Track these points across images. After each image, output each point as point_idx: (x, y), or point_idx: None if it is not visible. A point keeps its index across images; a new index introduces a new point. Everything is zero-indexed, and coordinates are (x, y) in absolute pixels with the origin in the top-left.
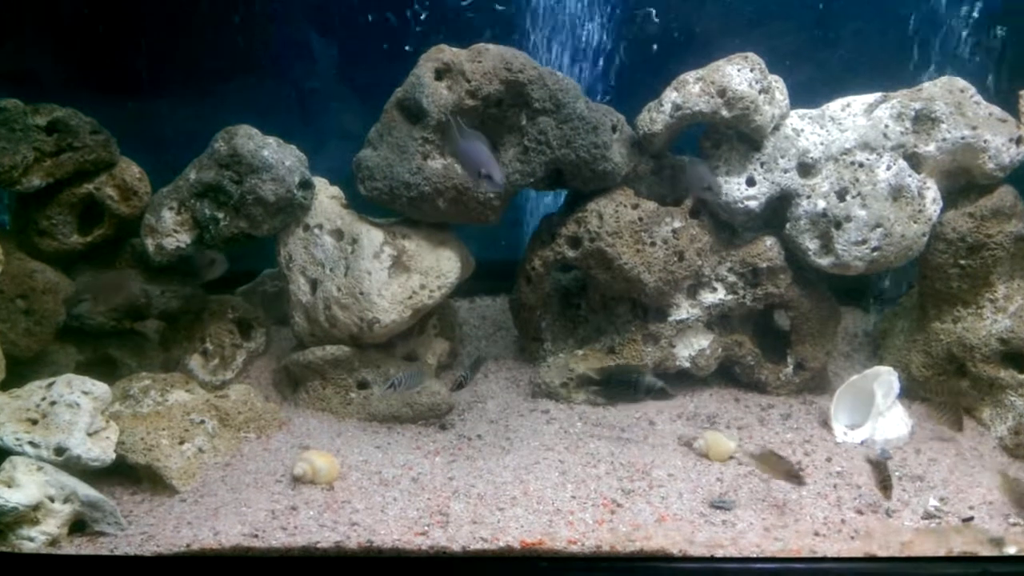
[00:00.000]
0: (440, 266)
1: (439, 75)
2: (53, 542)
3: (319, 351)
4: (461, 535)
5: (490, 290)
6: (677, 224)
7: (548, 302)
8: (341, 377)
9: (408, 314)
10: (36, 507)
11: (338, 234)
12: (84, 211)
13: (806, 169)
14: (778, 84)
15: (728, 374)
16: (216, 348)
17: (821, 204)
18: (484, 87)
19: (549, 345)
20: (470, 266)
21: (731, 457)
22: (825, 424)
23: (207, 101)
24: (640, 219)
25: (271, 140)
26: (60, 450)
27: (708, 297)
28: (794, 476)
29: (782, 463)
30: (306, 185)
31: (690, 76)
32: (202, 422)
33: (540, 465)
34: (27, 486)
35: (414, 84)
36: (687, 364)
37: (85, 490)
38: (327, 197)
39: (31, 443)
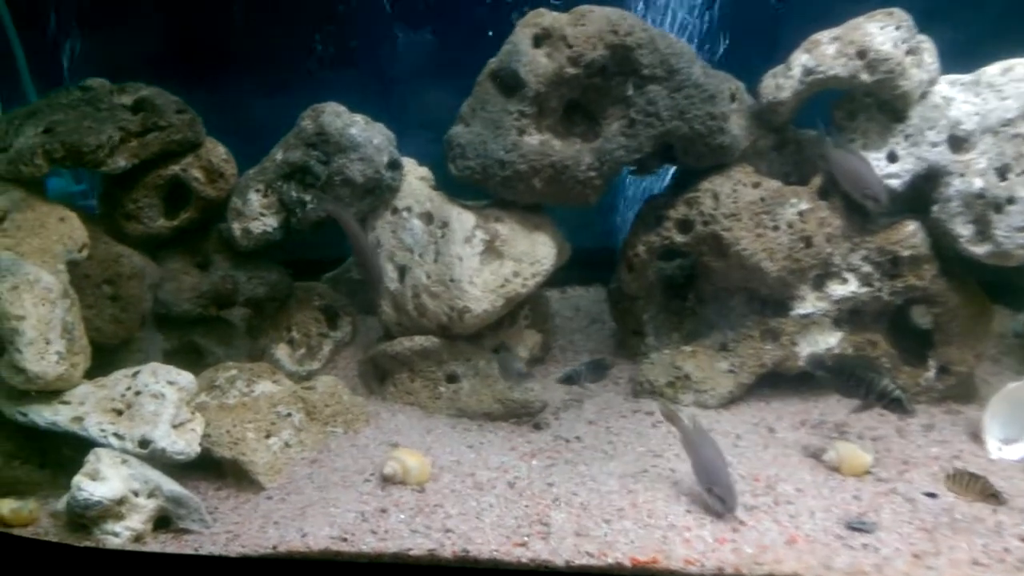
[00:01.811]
0: (535, 252)
1: (537, 41)
2: (138, 538)
3: (407, 342)
4: (564, 548)
5: (582, 280)
6: (804, 206)
7: (651, 292)
8: (430, 370)
9: (500, 303)
10: (120, 501)
11: (427, 217)
12: (170, 194)
13: (958, 143)
14: (927, 45)
15: None
16: (302, 337)
17: (978, 183)
18: (587, 53)
19: (652, 340)
20: (566, 252)
21: (868, 472)
22: (976, 437)
23: (293, 84)
24: (762, 199)
25: (359, 118)
26: (144, 442)
27: (838, 289)
28: (992, 496)
29: (977, 482)
30: (395, 165)
31: (824, 36)
32: (289, 415)
33: (648, 474)
34: (112, 479)
35: (510, 52)
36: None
37: (169, 485)
38: (416, 178)
39: (116, 435)
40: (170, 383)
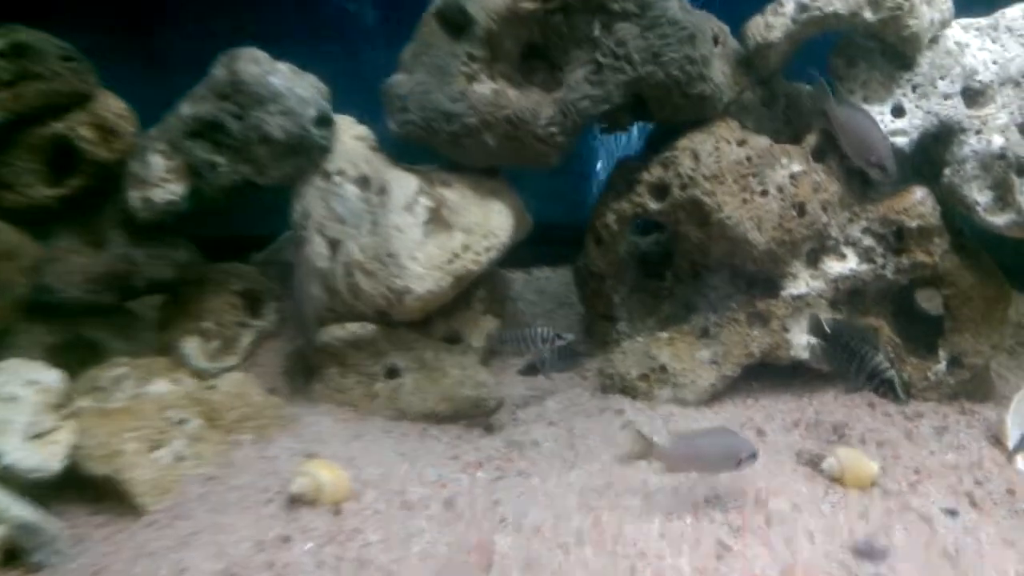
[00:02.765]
0: (489, 222)
1: None
2: None
3: (337, 330)
4: None
5: (550, 259)
6: (796, 167)
7: (623, 270)
8: (365, 363)
9: (448, 282)
10: None
11: (363, 182)
12: (55, 157)
13: (974, 96)
14: None
15: None
16: (217, 327)
17: (998, 141)
18: None
19: (624, 325)
20: (526, 223)
21: (874, 484)
22: (997, 442)
23: (217, 28)
24: (748, 159)
25: (282, 66)
26: None
27: (835, 266)
28: None
29: None
30: (324, 121)
31: None
32: (183, 421)
33: (615, 487)
34: None
35: None
36: (805, 354)
37: (19, 509)
38: (352, 138)
39: None
40: (29, 383)
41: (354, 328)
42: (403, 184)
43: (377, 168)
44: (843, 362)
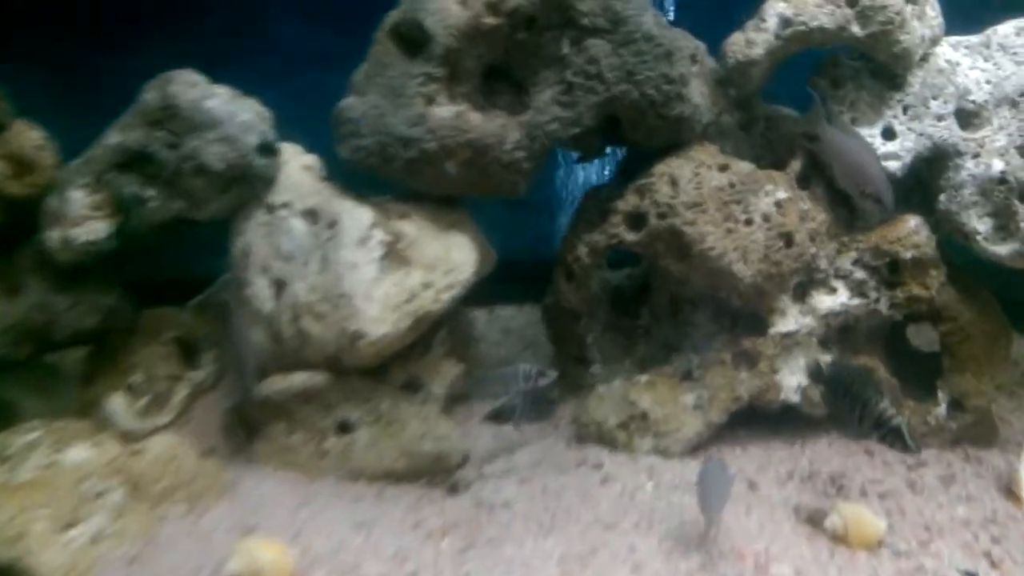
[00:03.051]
0: (450, 257)
1: None
2: None
3: (282, 381)
4: None
5: (515, 297)
6: (782, 194)
7: (596, 307)
8: (314, 417)
9: (407, 324)
10: None
11: (312, 215)
12: None
13: (968, 117)
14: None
15: None
16: (147, 381)
17: (998, 165)
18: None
19: (598, 368)
20: (490, 258)
21: (881, 543)
22: (1010, 494)
23: (153, 49)
24: (731, 185)
25: (221, 89)
26: None
27: (825, 300)
28: None
29: None
30: (268, 149)
31: None
32: (103, 493)
33: (600, 555)
34: None
35: (416, 3)
36: (796, 398)
37: None
38: (299, 167)
39: None
40: None
41: (301, 378)
42: (356, 217)
43: (327, 200)
44: (845, 409)
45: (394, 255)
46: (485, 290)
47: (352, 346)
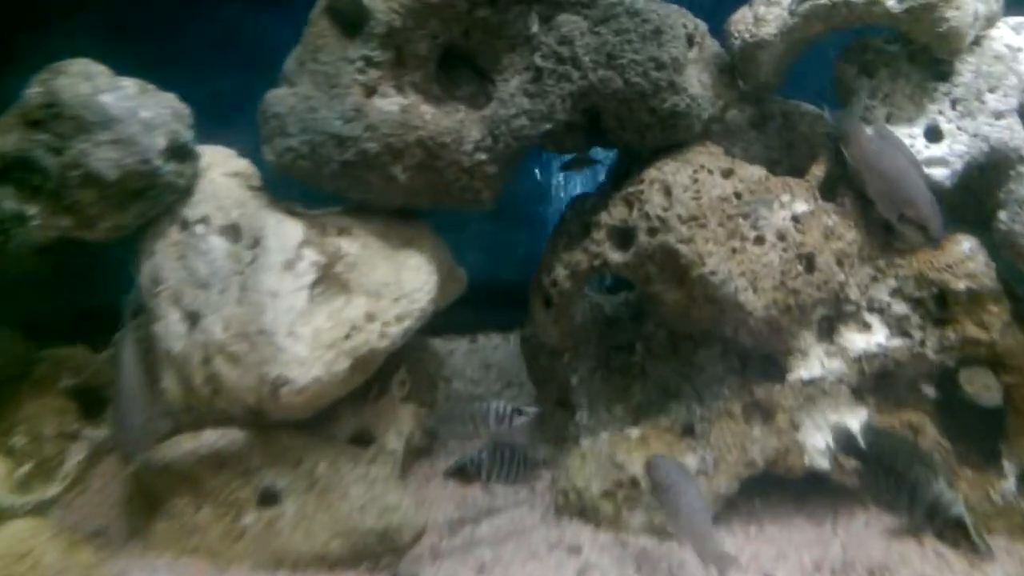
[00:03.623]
0: (402, 281)
1: None
2: None
3: (188, 442)
4: None
5: (501, 323)
6: (801, 207)
7: (582, 341)
8: (229, 487)
9: (345, 365)
10: None
11: (233, 232)
12: None
13: None
14: None
15: None
16: (32, 443)
17: None
18: None
19: (584, 415)
20: (456, 281)
21: None
22: None
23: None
24: (737, 195)
25: (127, 82)
26: None
27: (857, 340)
28: None
29: None
30: (180, 153)
31: None
32: None
33: None
34: None
35: None
36: (823, 463)
37: None
38: (224, 175)
39: None
40: None
41: (212, 437)
42: (283, 233)
43: (252, 213)
44: (888, 491)
45: (330, 280)
46: (466, 316)
47: (274, 396)
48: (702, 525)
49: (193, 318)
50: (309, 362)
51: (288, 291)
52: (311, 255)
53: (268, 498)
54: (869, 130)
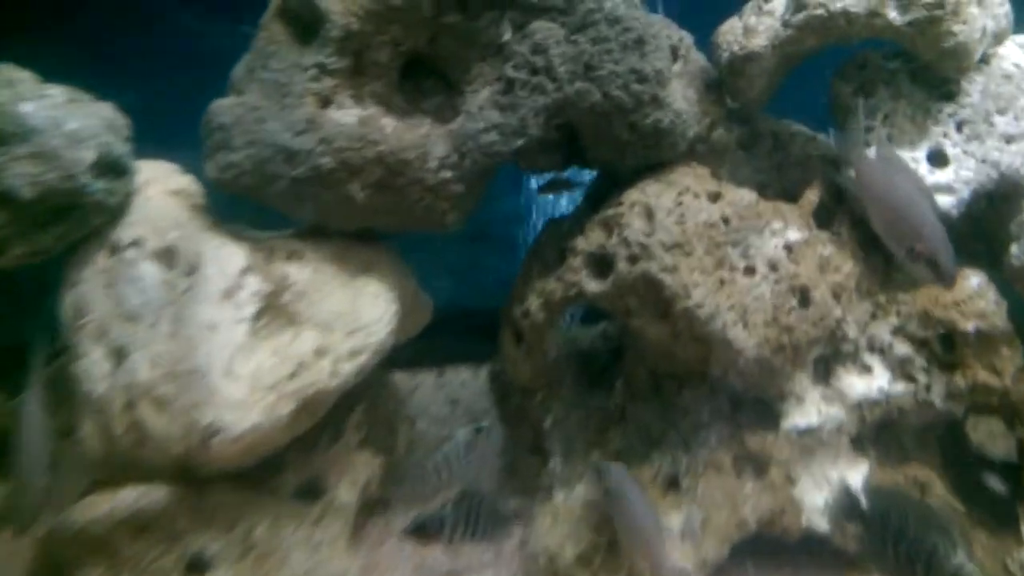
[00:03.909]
0: (358, 312)
1: None
2: None
3: (103, 502)
4: None
5: (472, 355)
6: (794, 235)
7: (557, 379)
8: (148, 555)
9: (288, 409)
10: None
11: (168, 257)
12: None
13: None
14: None
15: None
16: None
17: None
18: None
19: (558, 464)
20: (421, 310)
21: None
22: None
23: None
24: (725, 220)
25: (53, 90)
26: None
27: (856, 384)
28: None
29: None
30: (111, 169)
31: None
32: None
33: None
34: None
35: None
36: (823, 524)
37: None
38: (163, 193)
39: None
40: None
41: (132, 496)
42: (223, 259)
43: (191, 236)
44: (898, 564)
45: (275, 311)
46: (433, 346)
47: (204, 445)
48: (655, 539)
49: (119, 356)
50: (247, 405)
51: (226, 324)
52: (254, 283)
53: (196, 567)
54: (873, 153)
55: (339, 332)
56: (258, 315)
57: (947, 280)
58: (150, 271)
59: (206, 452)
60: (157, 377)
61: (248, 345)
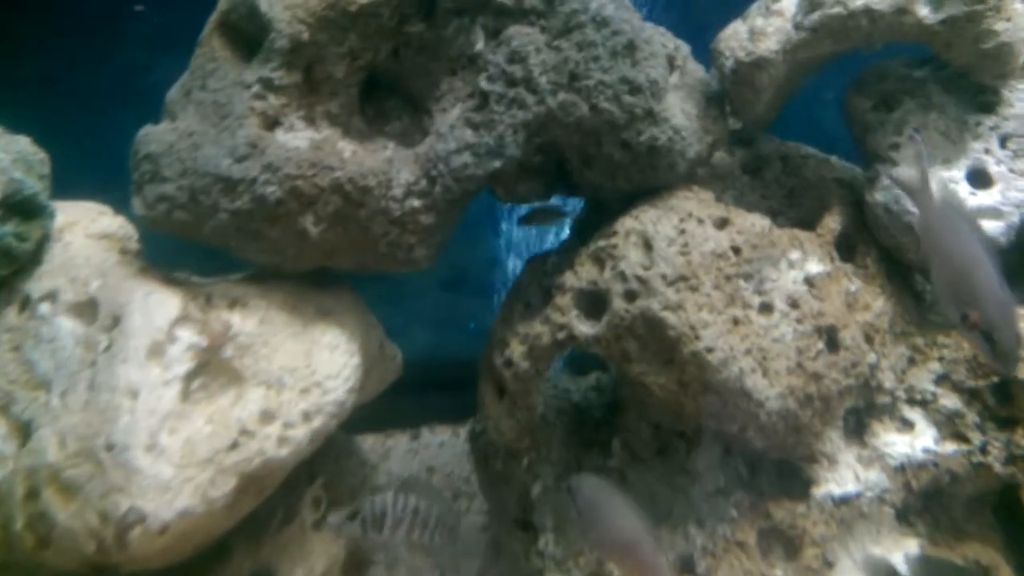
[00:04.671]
0: (313, 365)
1: None
2: None
3: None
4: None
5: (451, 413)
6: (815, 267)
7: (545, 439)
8: None
9: (228, 488)
10: None
11: (88, 310)
12: None
13: None
14: None
15: None
16: None
17: None
18: None
19: (549, 543)
20: (389, 361)
21: None
22: None
23: None
24: (735, 251)
25: None
26: None
27: (896, 442)
28: None
29: None
30: (24, 210)
31: None
32: None
33: None
34: None
35: None
36: None
37: None
38: (87, 236)
39: None
40: None
41: None
42: (151, 309)
43: (116, 285)
44: None
45: (214, 369)
46: (405, 404)
47: (121, 541)
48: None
49: (24, 432)
50: (175, 487)
51: (152, 387)
52: (188, 336)
53: None
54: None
55: (291, 390)
56: (192, 374)
57: (1005, 362)
58: (66, 328)
59: (124, 548)
60: (67, 457)
61: (178, 411)
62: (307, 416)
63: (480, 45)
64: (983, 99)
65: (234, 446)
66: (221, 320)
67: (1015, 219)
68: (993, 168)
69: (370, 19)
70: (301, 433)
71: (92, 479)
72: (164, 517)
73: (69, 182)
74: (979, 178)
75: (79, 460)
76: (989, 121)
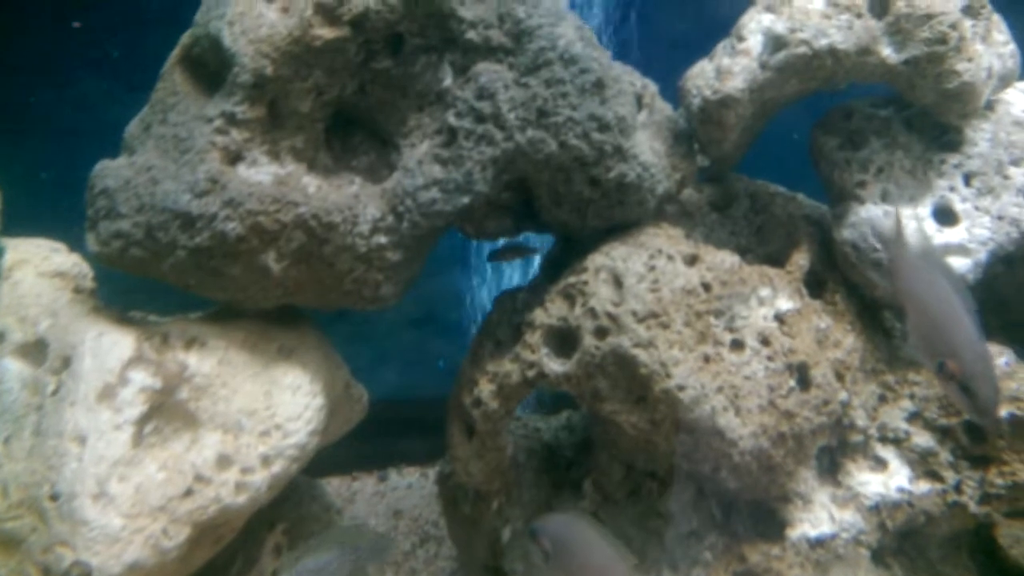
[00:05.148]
0: (273, 407)
1: None
2: None
3: None
4: None
5: (419, 454)
6: (785, 303)
7: (515, 480)
8: None
9: (182, 538)
10: None
11: (36, 352)
12: None
13: None
14: (996, 19)
15: None
16: None
17: None
18: (358, 1)
19: None
20: (354, 402)
21: None
22: None
23: None
24: (705, 287)
25: None
26: None
27: (870, 481)
28: None
29: None
30: None
31: None
32: None
33: None
34: None
35: (210, 8)
36: None
37: None
38: (40, 275)
39: None
40: None
41: None
42: (103, 350)
43: (66, 325)
44: None
45: (168, 413)
46: (373, 446)
47: None
48: None
49: None
50: (125, 538)
51: (102, 431)
52: (141, 378)
53: None
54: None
55: (249, 435)
56: (145, 418)
57: (984, 413)
58: (12, 370)
59: None
60: (8, 507)
61: (129, 457)
62: (266, 460)
63: (448, 81)
64: (947, 138)
65: (188, 493)
66: (176, 361)
67: (982, 257)
68: (959, 206)
69: (336, 54)
70: (260, 478)
71: (34, 531)
72: (112, 571)
73: (24, 218)
74: (945, 215)
75: (21, 511)
76: (953, 159)
